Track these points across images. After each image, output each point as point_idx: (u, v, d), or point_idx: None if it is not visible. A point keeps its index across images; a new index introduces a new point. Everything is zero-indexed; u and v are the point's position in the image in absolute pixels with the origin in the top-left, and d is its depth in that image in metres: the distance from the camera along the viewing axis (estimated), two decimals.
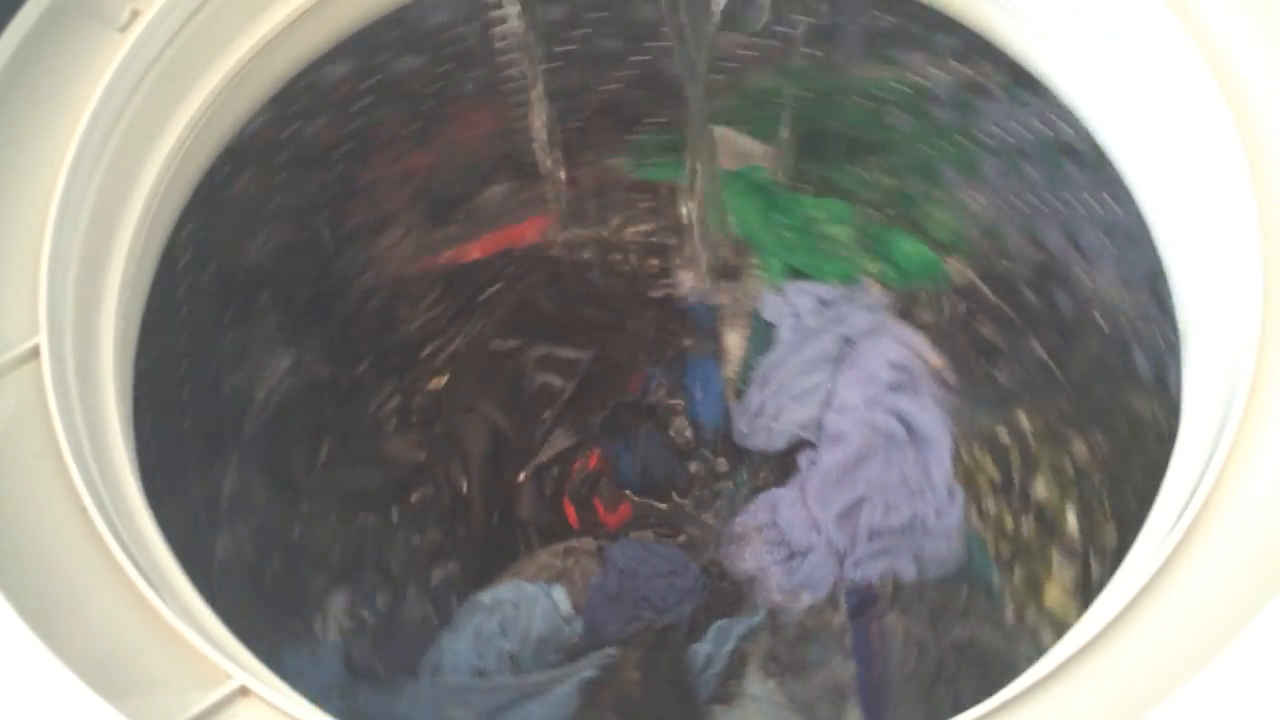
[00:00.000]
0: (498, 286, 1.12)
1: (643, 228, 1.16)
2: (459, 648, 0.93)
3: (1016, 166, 0.91)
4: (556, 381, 1.11)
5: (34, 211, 0.59)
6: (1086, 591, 0.95)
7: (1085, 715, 0.47)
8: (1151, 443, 0.86)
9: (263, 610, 0.89)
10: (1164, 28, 0.61)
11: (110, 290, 0.62)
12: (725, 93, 1.01)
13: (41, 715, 0.45)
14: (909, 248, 1.10)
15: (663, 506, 1.13)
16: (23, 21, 0.62)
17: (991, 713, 0.47)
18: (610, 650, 0.93)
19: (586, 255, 1.15)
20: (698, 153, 0.98)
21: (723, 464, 1.15)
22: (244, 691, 0.48)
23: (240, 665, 0.50)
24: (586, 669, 0.90)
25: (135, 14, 0.64)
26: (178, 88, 0.67)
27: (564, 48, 0.95)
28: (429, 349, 1.10)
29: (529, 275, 1.13)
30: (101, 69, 0.63)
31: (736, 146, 1.08)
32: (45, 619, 0.47)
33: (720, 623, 0.99)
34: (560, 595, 0.97)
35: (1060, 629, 0.90)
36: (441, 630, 0.96)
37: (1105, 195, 0.80)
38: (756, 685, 0.97)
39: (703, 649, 0.96)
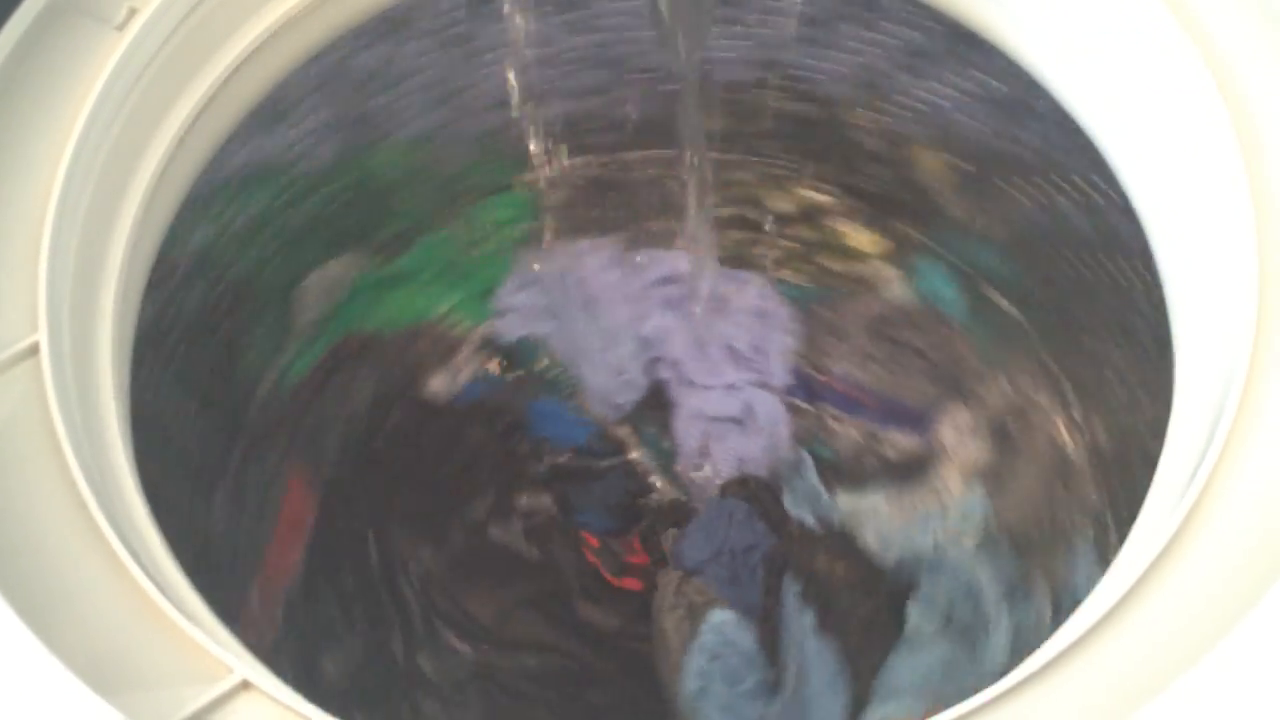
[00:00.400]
0: (371, 531, 1.03)
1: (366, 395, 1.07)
2: None
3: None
4: (518, 520, 1.08)
5: (32, 209, 0.59)
6: (867, 218, 1.07)
7: (1077, 713, 0.46)
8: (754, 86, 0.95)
9: None
10: (1157, 21, 0.62)
11: (109, 287, 0.63)
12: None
13: (40, 714, 0.44)
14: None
15: (643, 517, 1.13)
16: (20, 20, 0.62)
17: (981, 708, 0.47)
18: (792, 590, 0.93)
19: (375, 443, 1.06)
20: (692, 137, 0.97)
21: (629, 443, 1.16)
22: (246, 685, 0.47)
23: (241, 659, 0.49)
24: (804, 616, 0.90)
25: (132, 12, 0.65)
26: (176, 85, 0.68)
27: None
28: (400, 648, 0.99)
29: (375, 500, 1.04)
30: (99, 67, 0.63)
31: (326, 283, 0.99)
32: (44, 615, 0.47)
33: (788, 499, 1.02)
34: (721, 614, 0.95)
35: (882, 248, 1.07)
36: None
37: None
38: (846, 503, 1.01)
39: (808, 521, 0.98)
